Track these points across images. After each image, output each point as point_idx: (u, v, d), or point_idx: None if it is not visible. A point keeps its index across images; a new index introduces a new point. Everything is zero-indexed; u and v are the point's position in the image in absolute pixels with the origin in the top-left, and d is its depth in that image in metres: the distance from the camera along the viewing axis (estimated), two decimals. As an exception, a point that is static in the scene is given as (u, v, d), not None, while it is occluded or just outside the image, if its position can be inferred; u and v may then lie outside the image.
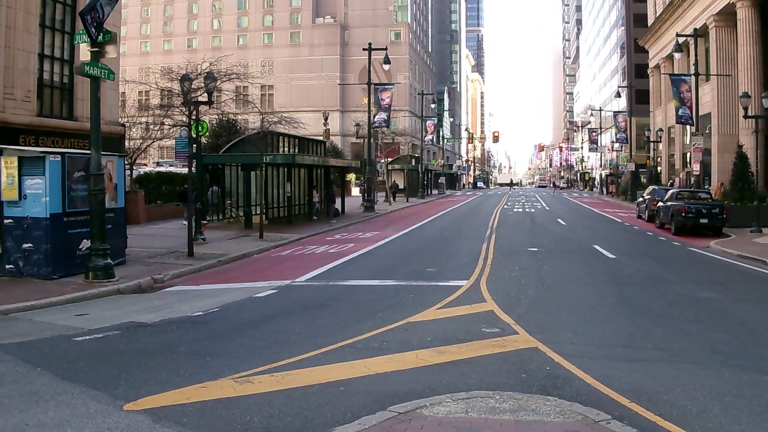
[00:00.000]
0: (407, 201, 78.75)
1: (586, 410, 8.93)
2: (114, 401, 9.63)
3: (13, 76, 29.17)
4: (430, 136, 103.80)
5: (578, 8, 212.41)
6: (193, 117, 29.71)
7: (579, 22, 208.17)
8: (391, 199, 74.62)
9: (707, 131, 55.14)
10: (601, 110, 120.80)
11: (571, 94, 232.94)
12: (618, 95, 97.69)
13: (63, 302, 17.67)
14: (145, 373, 11.08)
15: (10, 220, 20.91)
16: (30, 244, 20.67)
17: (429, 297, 17.86)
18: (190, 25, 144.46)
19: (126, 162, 33.03)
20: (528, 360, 11.70)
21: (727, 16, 53.89)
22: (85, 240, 21.32)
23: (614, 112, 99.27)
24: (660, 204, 41.42)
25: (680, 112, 50.13)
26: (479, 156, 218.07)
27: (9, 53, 28.92)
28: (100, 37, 20.11)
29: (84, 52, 20.46)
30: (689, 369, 11.27)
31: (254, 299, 18.23)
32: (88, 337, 13.69)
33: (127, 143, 42.45)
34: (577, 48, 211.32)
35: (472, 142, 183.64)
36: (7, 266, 20.99)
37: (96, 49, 20.25)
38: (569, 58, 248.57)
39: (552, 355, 11.95)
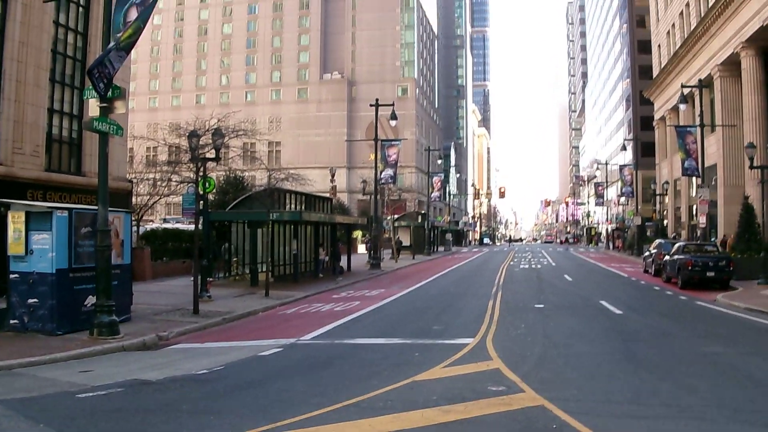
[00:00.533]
0: (413, 258, 78.61)
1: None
2: (116, 460, 9.59)
3: (23, 131, 29.37)
4: (436, 193, 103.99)
5: (584, 61, 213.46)
6: (201, 173, 29.85)
7: (585, 75, 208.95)
8: (397, 256, 74.52)
9: (713, 182, 55.09)
10: (606, 164, 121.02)
11: (577, 147, 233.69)
12: (623, 148, 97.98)
13: (67, 358, 17.65)
14: (148, 432, 11.03)
15: (16, 275, 20.95)
16: (35, 300, 20.68)
17: (435, 355, 17.77)
18: (199, 81, 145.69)
19: (133, 218, 33.15)
20: (534, 418, 11.62)
21: (732, 65, 54.13)
22: (90, 296, 21.32)
23: (620, 165, 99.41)
24: (667, 258, 41.34)
25: (686, 164, 50.17)
26: (485, 212, 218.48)
27: (19, 108, 29.14)
28: (109, 93, 20.29)
29: (93, 107, 20.64)
30: (696, 425, 11.19)
31: (259, 358, 18.15)
32: (91, 394, 13.64)
33: (134, 199, 42.59)
34: (583, 101, 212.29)
35: (479, 198, 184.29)
36: (12, 321, 20.99)
37: (105, 104, 20.44)
38: (575, 111, 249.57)
39: (558, 412, 11.86)
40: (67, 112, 32.92)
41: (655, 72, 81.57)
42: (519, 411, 12.09)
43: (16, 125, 29.17)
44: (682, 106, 55.17)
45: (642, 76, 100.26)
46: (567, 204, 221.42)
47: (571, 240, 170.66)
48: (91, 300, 21.25)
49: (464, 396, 13.19)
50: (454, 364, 16.55)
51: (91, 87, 20.48)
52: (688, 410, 12.14)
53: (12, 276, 21.08)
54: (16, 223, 20.87)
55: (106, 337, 19.94)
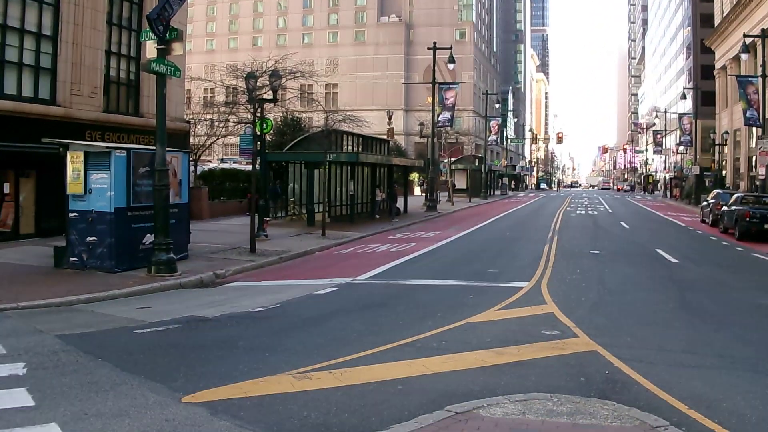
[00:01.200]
0: (470, 201, 78.39)
1: (644, 416, 8.78)
2: (172, 393, 9.71)
3: (80, 73, 29.64)
4: (493, 137, 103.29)
5: (644, 8, 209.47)
6: (258, 114, 29.92)
7: (645, 22, 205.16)
8: (452, 198, 74.33)
9: (774, 134, 54.04)
10: (666, 112, 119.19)
11: (636, 95, 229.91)
12: (683, 97, 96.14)
13: (125, 295, 17.88)
14: (204, 367, 11.15)
15: (75, 214, 21.18)
16: (94, 238, 20.91)
17: (489, 298, 17.74)
18: (256, 23, 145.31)
19: (190, 158, 33.32)
20: (587, 363, 11.56)
21: (796, 15, 52.81)
22: (148, 234, 21.52)
23: (679, 114, 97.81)
24: (724, 208, 40.68)
25: (748, 114, 49.22)
26: (543, 157, 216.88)
27: (76, 50, 29.38)
28: (167, 35, 20.28)
29: (150, 49, 20.66)
30: (749, 377, 11.02)
31: (315, 296, 18.25)
32: (148, 330, 13.83)
33: (191, 140, 42.82)
34: (643, 48, 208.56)
35: (536, 143, 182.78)
36: (71, 259, 21.26)
37: (162, 46, 20.44)
38: (635, 58, 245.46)
39: (611, 359, 11.79)
40: (124, 54, 33.14)
41: (717, 20, 79.83)
42: (572, 356, 12.04)
43: (74, 67, 29.44)
44: (743, 56, 54.00)
45: (703, 24, 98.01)
46: (625, 151, 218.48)
47: (627, 187, 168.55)
48: (149, 238, 21.46)
49: (518, 339, 13.18)
50: (509, 307, 16.51)
51: (148, 29, 20.49)
52: (742, 362, 11.98)
53: (71, 215, 21.31)
54: (75, 162, 21.05)
55: (163, 275, 20.15)
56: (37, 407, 9.04)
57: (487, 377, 10.71)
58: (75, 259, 21.24)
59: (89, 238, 20.98)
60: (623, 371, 11.08)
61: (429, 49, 60.70)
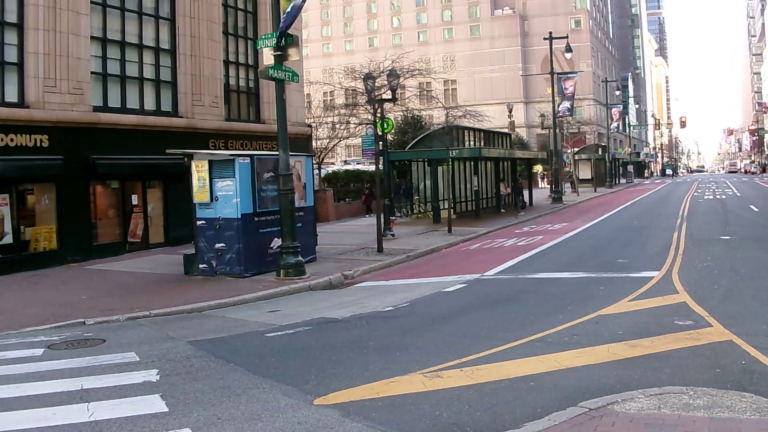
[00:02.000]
0: (595, 191, 77.47)
1: (783, 408, 8.41)
2: (304, 396, 9.71)
3: (201, 84, 30.21)
4: (615, 124, 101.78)
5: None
6: (378, 114, 29.96)
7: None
8: (577, 188, 73.50)
9: None
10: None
11: (759, 74, 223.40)
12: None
13: (255, 299, 18.06)
14: (335, 368, 11.13)
15: (203, 222, 21.53)
16: (222, 244, 21.21)
17: (620, 289, 17.39)
18: (370, 24, 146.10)
19: (314, 161, 33.57)
20: (722, 354, 11.17)
21: None
22: (275, 239, 21.74)
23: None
24: None
25: None
26: (666, 143, 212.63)
27: (195, 62, 29.97)
28: (282, 41, 20.45)
29: (268, 56, 20.95)
30: None
31: (443, 293, 18.15)
32: (279, 333, 13.90)
33: (314, 143, 43.26)
34: (762, 25, 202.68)
35: (659, 129, 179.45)
36: (201, 266, 21.61)
37: (279, 53, 20.64)
38: (755, 36, 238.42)
39: (747, 348, 11.37)
40: (242, 63, 33.70)
41: None
42: (706, 346, 11.68)
43: (194, 79, 30.03)
44: None
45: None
46: (750, 132, 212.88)
47: (755, 169, 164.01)
48: (276, 242, 21.68)
49: (650, 330, 12.85)
50: (640, 298, 16.17)
51: (264, 36, 20.86)
52: None
53: (199, 222, 21.69)
54: (200, 171, 21.39)
55: (292, 278, 20.31)
56: (170, 413, 9.14)
57: (620, 371, 10.46)
58: (204, 265, 21.58)
59: (217, 245, 21.29)
60: (760, 361, 10.69)
61: (545, 39, 60.21)
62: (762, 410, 8.37)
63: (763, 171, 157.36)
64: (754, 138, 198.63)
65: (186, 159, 22.19)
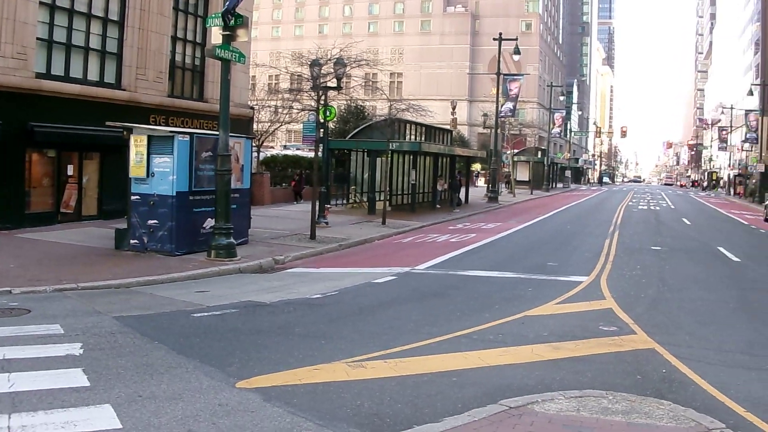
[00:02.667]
0: (531, 193, 78.04)
1: (700, 417, 8.64)
2: (227, 378, 9.75)
3: (146, 58, 29.97)
4: (557, 129, 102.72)
5: (712, 2, 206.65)
6: (322, 102, 29.99)
7: (713, 16, 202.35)
8: (513, 190, 74.08)
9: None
10: (732, 108, 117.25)
11: (702, 90, 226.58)
12: (750, 93, 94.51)
13: (184, 278, 18.00)
14: (260, 353, 11.18)
15: (137, 197, 21.35)
16: (155, 221, 21.07)
17: (548, 291, 17.65)
18: (322, 11, 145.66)
19: (253, 144, 33.48)
20: (644, 361, 11.44)
21: None
22: (209, 219, 21.65)
23: (746, 110, 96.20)
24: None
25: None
26: (606, 151, 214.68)
27: (142, 35, 29.71)
28: (232, 21, 20.38)
29: (216, 35, 20.80)
30: (812, 381, 10.81)
31: (373, 285, 18.24)
32: (206, 314, 13.89)
33: (255, 126, 43.03)
34: (710, 43, 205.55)
35: (600, 137, 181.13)
36: (132, 241, 21.45)
37: (227, 32, 20.55)
38: (701, 53, 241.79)
39: (669, 357, 11.65)
40: (190, 40, 33.44)
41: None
42: (629, 353, 11.96)
43: (140, 52, 29.77)
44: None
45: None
46: (689, 147, 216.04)
47: (691, 184, 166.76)
48: (209, 222, 21.59)
49: (575, 334, 13.09)
50: (567, 302, 16.44)
51: (214, 15, 20.72)
52: (805, 365, 11.76)
53: (133, 197, 21.49)
54: (138, 146, 21.22)
55: (223, 259, 20.27)
56: (91, 388, 9.11)
57: (542, 372, 10.64)
58: (136, 241, 21.42)
59: (150, 221, 21.14)
60: (680, 370, 10.96)
61: (494, 39, 60.59)
62: (679, 418, 8.60)
63: (697, 185, 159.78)
64: (692, 153, 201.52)
65: (125, 132, 21.95)
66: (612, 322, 14.24)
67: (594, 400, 9.18)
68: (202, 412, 8.43)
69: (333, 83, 31.07)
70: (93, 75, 28.50)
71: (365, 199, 42.01)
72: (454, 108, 75.29)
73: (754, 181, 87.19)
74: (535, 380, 10.15)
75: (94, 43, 28.50)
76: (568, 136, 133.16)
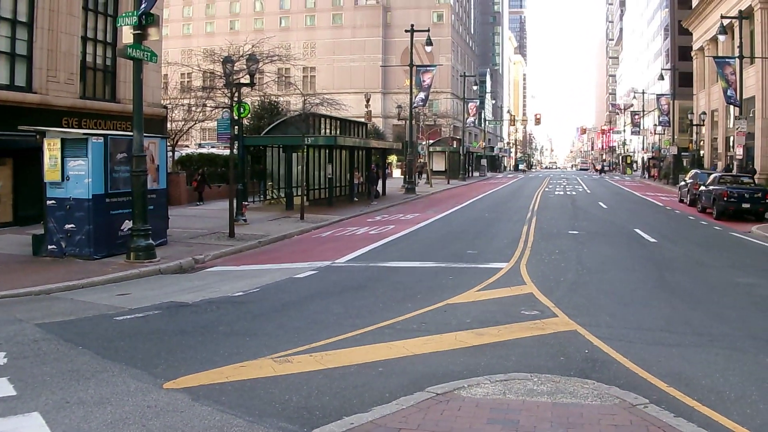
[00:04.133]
0: (448, 183, 78.54)
1: (623, 394, 8.91)
2: (154, 380, 9.76)
3: (57, 59, 29.53)
4: (471, 118, 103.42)
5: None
6: (235, 99, 29.92)
7: (623, 3, 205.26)
8: (430, 180, 74.48)
9: (751, 115, 54.14)
10: (644, 93, 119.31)
11: (614, 76, 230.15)
12: (661, 78, 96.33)
13: (104, 282, 17.87)
14: (185, 353, 11.20)
15: (53, 202, 21.11)
16: (72, 225, 20.86)
17: (469, 279, 17.87)
18: (233, 7, 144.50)
19: (168, 143, 33.24)
20: (567, 343, 11.69)
21: (772, -3, 52.82)
22: (127, 221, 21.51)
23: (657, 95, 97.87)
24: (702, 188, 40.84)
25: (728, 92, 49.23)
26: (521, 138, 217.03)
27: (52, 36, 29.26)
28: (143, 20, 20.25)
29: (127, 34, 20.65)
30: (727, 354, 11.19)
31: (294, 280, 18.30)
32: (129, 317, 13.83)
33: (169, 125, 42.72)
34: (621, 30, 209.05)
35: (514, 125, 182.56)
36: (50, 247, 21.21)
37: (138, 31, 20.41)
38: (612, 40, 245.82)
39: (591, 338, 11.93)
40: (101, 40, 33.01)
41: (695, 2, 79.65)
42: (551, 335, 12.19)
43: (50, 54, 29.31)
44: (721, 37, 53.84)
45: (681, 5, 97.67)
46: (603, 132, 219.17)
47: (606, 168, 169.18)
48: (127, 224, 21.44)
49: (497, 320, 13.30)
50: (488, 288, 16.65)
51: (125, 14, 20.58)
52: (720, 339, 12.16)
53: (49, 202, 21.23)
54: (51, 150, 20.97)
55: (142, 261, 20.17)
56: (18, 396, 9.07)
57: (467, 358, 10.82)
58: (53, 246, 21.18)
59: (67, 226, 20.92)
60: (603, 350, 11.22)
61: (406, 31, 60.80)
62: (603, 396, 8.86)
63: (612, 170, 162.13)
64: (606, 138, 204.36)
65: (38, 136, 21.71)
66: (533, 306, 14.51)
67: (519, 382, 9.39)
68: (131, 415, 8.45)
69: (246, 80, 31.01)
70: (2, 78, 28.00)
71: (283, 195, 41.93)
72: (368, 101, 75.46)
73: (667, 163, 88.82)
74: (461, 366, 10.33)
75: (3, 45, 28.00)
76: (482, 125, 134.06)
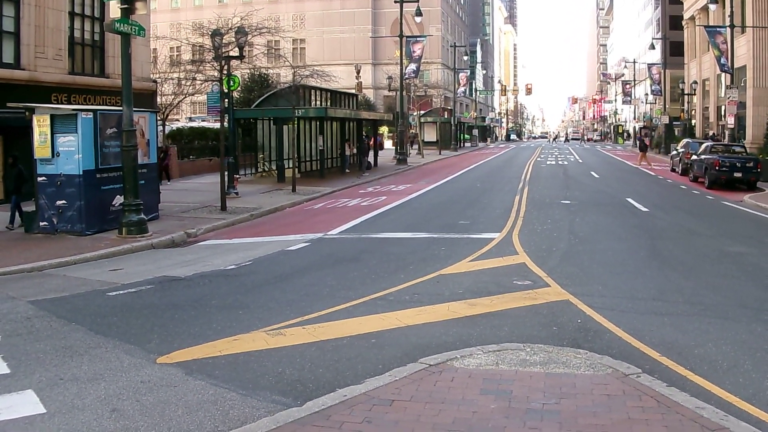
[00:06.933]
0: (440, 153, 78.40)
1: (616, 363, 8.96)
2: (147, 355, 9.79)
3: (44, 35, 29.34)
4: (462, 89, 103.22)
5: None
6: (225, 72, 29.81)
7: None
8: (423, 151, 74.40)
9: (742, 84, 54.07)
10: (635, 62, 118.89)
11: (605, 46, 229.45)
12: (652, 47, 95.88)
13: (97, 258, 17.83)
14: (178, 327, 11.22)
15: (44, 178, 21.03)
16: (63, 201, 20.80)
17: (461, 249, 17.90)
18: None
19: (158, 118, 33.11)
20: (559, 313, 11.73)
21: (765, -36, 52.57)
22: (118, 196, 21.46)
23: (648, 64, 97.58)
24: (694, 157, 40.87)
25: (722, 60, 49.13)
26: (512, 108, 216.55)
27: (39, 12, 29.06)
28: (130, -6, 20.15)
29: (114, 9, 20.51)
30: (720, 323, 11.24)
31: (286, 252, 18.31)
32: (121, 292, 13.83)
33: (159, 99, 42.48)
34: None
35: (505, 95, 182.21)
36: (41, 223, 21.15)
37: (126, 5, 20.29)
38: (603, 9, 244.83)
39: (583, 308, 11.97)
40: (88, 15, 32.77)
41: (686, -30, 79.49)
42: (544, 305, 12.23)
43: (38, 30, 29.11)
44: (712, 6, 53.78)
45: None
46: (594, 101, 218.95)
47: (597, 137, 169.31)
48: (118, 200, 21.40)
49: (490, 290, 13.33)
50: (481, 258, 16.69)
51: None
52: (712, 308, 12.21)
53: (39, 179, 21.14)
54: (41, 126, 20.86)
55: (134, 236, 20.14)
56: (12, 374, 9.09)
57: (460, 329, 10.85)
58: (45, 223, 21.12)
59: (59, 202, 20.85)
60: (595, 320, 11.27)
61: (396, 2, 60.40)
62: (596, 366, 8.90)
63: (604, 139, 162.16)
64: (597, 108, 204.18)
65: (27, 113, 21.55)
66: (526, 276, 14.55)
67: (512, 353, 9.42)
68: (125, 391, 8.48)
69: (235, 53, 30.87)
70: (-10, 55, 27.91)
71: (274, 167, 41.90)
72: (358, 72, 75.21)
73: (659, 132, 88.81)
74: (453, 337, 10.37)
75: (-10, 22, 27.88)
76: (473, 95, 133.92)
